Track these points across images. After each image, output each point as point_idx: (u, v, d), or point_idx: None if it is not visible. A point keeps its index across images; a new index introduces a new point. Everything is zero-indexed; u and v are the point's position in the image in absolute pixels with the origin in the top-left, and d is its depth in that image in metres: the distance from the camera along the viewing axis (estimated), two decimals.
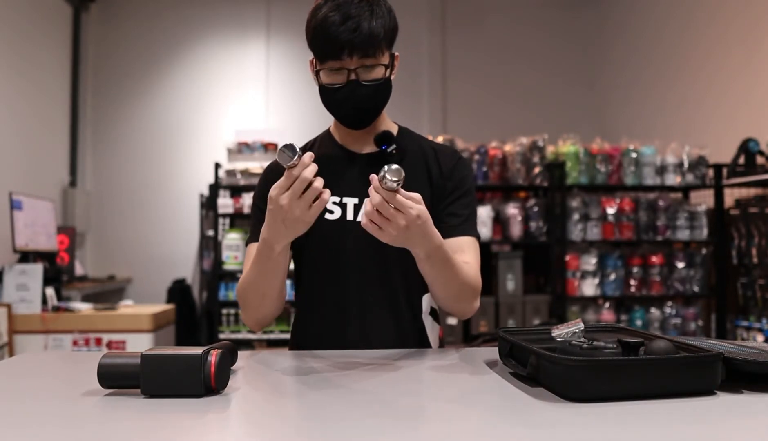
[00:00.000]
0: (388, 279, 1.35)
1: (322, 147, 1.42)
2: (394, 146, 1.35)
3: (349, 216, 1.34)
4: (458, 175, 1.38)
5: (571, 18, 6.20)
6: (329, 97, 1.28)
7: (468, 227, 1.35)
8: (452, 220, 1.34)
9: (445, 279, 1.23)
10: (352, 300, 1.34)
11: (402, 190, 1.04)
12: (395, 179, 1.00)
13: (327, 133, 1.44)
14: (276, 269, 1.23)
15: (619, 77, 5.75)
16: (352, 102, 1.26)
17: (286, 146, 1.03)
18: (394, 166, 1.01)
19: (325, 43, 1.21)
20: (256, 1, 6.11)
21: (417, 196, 1.07)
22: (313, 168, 1.06)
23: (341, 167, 1.37)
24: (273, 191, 1.08)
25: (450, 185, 1.37)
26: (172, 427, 0.81)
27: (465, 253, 1.31)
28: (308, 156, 1.06)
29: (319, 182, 1.06)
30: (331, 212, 1.35)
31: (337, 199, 1.35)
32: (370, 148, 1.38)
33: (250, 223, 1.41)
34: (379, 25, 1.22)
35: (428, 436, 0.78)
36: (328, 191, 1.08)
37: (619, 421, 0.81)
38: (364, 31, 1.20)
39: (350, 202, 1.34)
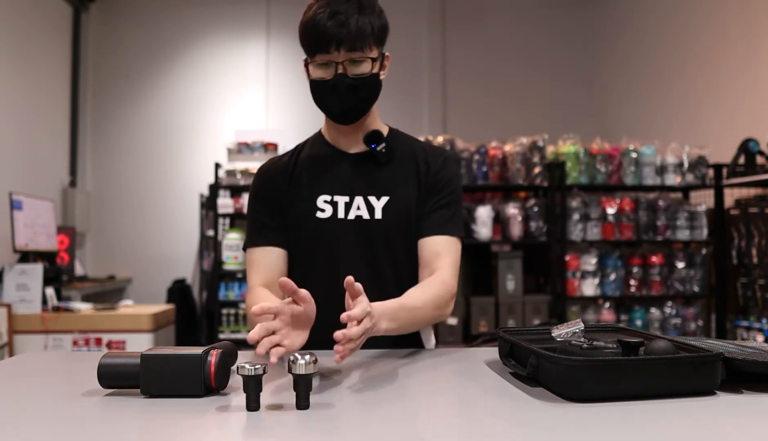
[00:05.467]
0: (380, 276, 1.37)
1: (313, 147, 1.45)
2: (383, 145, 1.38)
3: (340, 214, 1.37)
4: (444, 175, 1.41)
5: (571, 18, 6.19)
6: (318, 90, 1.31)
7: (450, 227, 1.38)
8: (435, 218, 1.38)
9: (413, 328, 1.30)
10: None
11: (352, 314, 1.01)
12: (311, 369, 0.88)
13: (318, 134, 1.48)
14: None
15: (619, 77, 5.75)
16: (339, 95, 1.29)
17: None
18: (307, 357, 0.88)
19: (314, 37, 1.26)
20: (256, 1, 6.11)
21: (357, 311, 1.03)
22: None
23: (332, 166, 1.41)
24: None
25: (435, 184, 1.40)
26: (172, 427, 0.81)
27: (441, 256, 1.36)
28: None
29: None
30: (323, 211, 1.37)
31: (328, 198, 1.38)
32: (359, 148, 1.41)
33: (247, 228, 1.45)
34: (367, 22, 1.26)
35: (428, 436, 0.78)
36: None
37: (618, 421, 0.81)
38: (351, 26, 1.24)
39: (341, 200, 1.37)
